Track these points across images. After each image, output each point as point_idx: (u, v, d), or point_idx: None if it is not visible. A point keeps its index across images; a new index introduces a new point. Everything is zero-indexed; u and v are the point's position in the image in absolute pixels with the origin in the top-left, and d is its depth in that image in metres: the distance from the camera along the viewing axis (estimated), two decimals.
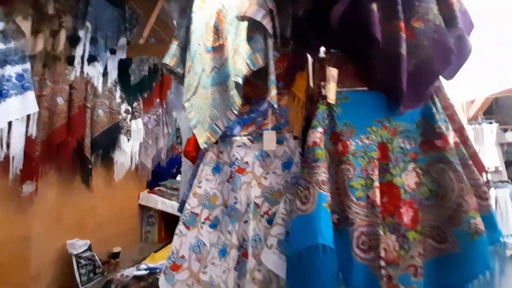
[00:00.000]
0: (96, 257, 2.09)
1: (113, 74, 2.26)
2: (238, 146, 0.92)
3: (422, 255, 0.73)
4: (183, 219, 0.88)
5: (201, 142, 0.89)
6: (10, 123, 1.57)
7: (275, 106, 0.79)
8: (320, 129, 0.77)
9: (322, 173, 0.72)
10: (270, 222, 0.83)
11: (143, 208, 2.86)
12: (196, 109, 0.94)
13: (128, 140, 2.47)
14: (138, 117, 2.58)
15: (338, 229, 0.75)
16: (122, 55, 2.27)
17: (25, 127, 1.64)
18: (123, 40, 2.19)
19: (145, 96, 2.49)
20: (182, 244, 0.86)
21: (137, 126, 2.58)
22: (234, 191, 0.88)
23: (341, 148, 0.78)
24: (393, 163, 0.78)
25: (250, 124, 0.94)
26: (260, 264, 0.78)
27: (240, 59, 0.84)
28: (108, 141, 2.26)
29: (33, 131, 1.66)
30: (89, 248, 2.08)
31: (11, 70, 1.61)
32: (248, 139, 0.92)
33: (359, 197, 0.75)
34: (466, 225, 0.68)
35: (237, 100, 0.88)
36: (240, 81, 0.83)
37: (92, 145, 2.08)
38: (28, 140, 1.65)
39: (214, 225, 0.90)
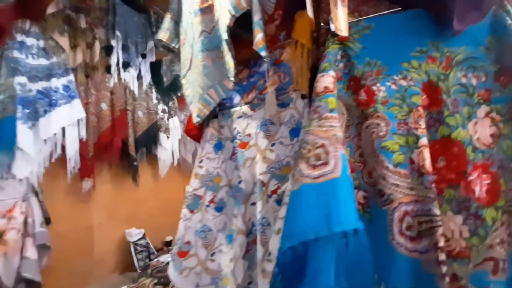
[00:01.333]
0: (150, 245, 2.21)
1: (147, 77, 2.33)
2: (239, 117, 0.74)
3: (506, 242, 0.45)
4: (186, 202, 0.76)
5: (194, 116, 0.74)
6: (63, 129, 1.72)
7: (263, 54, 0.58)
8: (332, 73, 0.52)
9: (339, 130, 0.48)
10: (279, 203, 0.64)
11: None
12: (192, 83, 0.80)
13: (168, 137, 2.55)
14: (175, 115, 2.63)
15: (367, 211, 0.50)
16: (152, 58, 2.31)
17: (77, 132, 1.78)
18: (151, 44, 2.22)
19: (179, 95, 2.53)
20: (187, 229, 0.74)
21: (174, 124, 2.64)
22: (238, 169, 0.71)
23: (364, 96, 0.53)
24: (450, 109, 0.49)
25: (250, 91, 0.75)
26: (270, 253, 0.60)
27: (224, 11, 0.65)
28: (149, 140, 2.36)
29: (83, 134, 1.79)
30: (144, 236, 2.21)
31: (57, 82, 1.74)
32: (249, 107, 0.73)
33: (398, 162, 0.49)
34: None
35: (231, 64, 0.70)
36: (226, 36, 0.65)
37: (136, 144, 2.19)
38: (82, 142, 1.79)
39: (219, 208, 0.75)
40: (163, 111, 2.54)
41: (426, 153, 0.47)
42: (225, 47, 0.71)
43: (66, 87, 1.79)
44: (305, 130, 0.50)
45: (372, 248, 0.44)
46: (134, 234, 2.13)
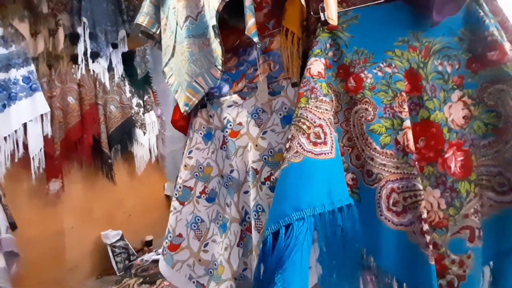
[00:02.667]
0: (130, 246, 2.11)
1: (118, 69, 2.17)
2: (229, 106, 0.73)
3: (480, 212, 0.51)
4: (175, 194, 0.73)
5: (181, 105, 0.71)
6: (25, 125, 1.55)
7: (255, 39, 0.58)
8: (323, 60, 0.54)
9: (331, 115, 0.50)
10: (273, 189, 0.64)
11: (170, 198, 2.84)
12: (176, 71, 0.76)
13: (144, 133, 2.42)
14: (151, 110, 2.49)
15: (355, 192, 0.53)
16: (124, 48, 2.16)
17: (41, 128, 1.62)
18: (122, 33, 2.07)
19: (155, 88, 2.39)
20: (178, 221, 0.72)
21: (150, 119, 2.50)
22: (229, 158, 0.71)
23: (353, 83, 0.56)
24: (429, 94, 0.54)
25: (240, 79, 0.74)
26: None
27: None
28: (124, 136, 2.22)
29: (48, 131, 1.63)
30: (122, 238, 2.09)
31: (16, 73, 1.56)
32: (239, 96, 0.72)
33: (385, 144, 0.53)
34: None
35: (219, 52, 0.68)
36: (215, 21, 0.63)
37: (109, 141, 2.05)
38: (46, 140, 1.63)
39: (211, 199, 0.74)
40: (138, 105, 2.40)
41: (410, 134, 0.51)
42: (211, 34, 0.69)
43: (26, 79, 1.62)
44: (302, 106, 0.50)
45: (361, 225, 0.47)
46: (111, 235, 2.01)
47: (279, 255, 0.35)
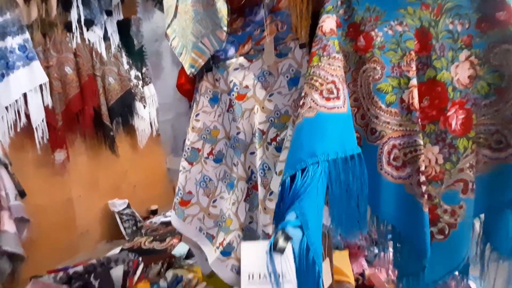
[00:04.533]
0: (136, 213, 2.19)
1: (115, 39, 2.08)
2: (235, 69, 0.72)
3: (474, 167, 0.54)
4: (184, 155, 0.75)
5: (187, 67, 0.70)
6: (25, 96, 1.52)
7: None
8: (334, 17, 0.53)
9: (343, 72, 0.51)
10: (278, 149, 0.67)
11: (172, 171, 2.88)
12: (179, 32, 0.74)
13: (144, 106, 2.38)
14: (150, 83, 2.43)
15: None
16: (118, 16, 2.05)
17: (41, 99, 1.59)
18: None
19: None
20: (187, 180, 0.75)
21: (150, 92, 2.45)
22: (236, 120, 0.72)
23: (363, 42, 0.55)
24: (437, 53, 0.53)
25: (246, 41, 0.72)
26: (271, 193, 0.64)
27: None
28: (124, 108, 2.19)
29: (48, 101, 1.61)
30: (128, 206, 2.16)
31: (12, 42, 1.50)
32: (245, 58, 0.71)
33: (390, 102, 0.54)
34: None
35: (224, 12, 0.66)
36: None
37: (110, 113, 2.02)
38: (48, 110, 1.61)
39: (218, 160, 0.76)
40: (137, 77, 2.33)
41: (415, 93, 0.52)
42: None
43: (22, 47, 1.56)
44: (314, 64, 0.51)
45: None
46: (118, 204, 2.08)
47: (296, 191, 0.38)
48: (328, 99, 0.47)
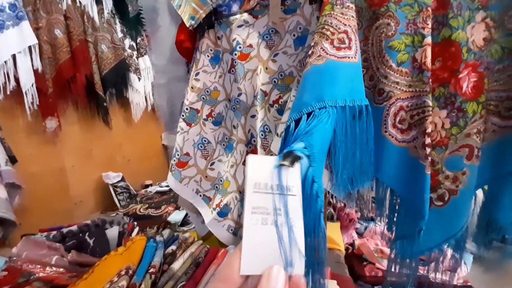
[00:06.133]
0: (130, 187, 2.17)
1: (107, 3, 1.96)
2: (239, 26, 0.68)
3: (482, 134, 0.52)
4: (182, 115, 0.72)
5: (186, 19, 0.65)
6: (14, 58, 1.44)
7: None
8: None
9: (356, 23, 0.47)
10: (280, 112, 0.64)
11: (167, 149, 2.84)
12: None
13: (139, 79, 2.29)
14: (145, 54, 2.31)
15: None
16: None
17: (30, 62, 1.51)
18: None
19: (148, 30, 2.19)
20: (185, 141, 0.72)
21: (145, 64, 2.34)
22: (237, 81, 0.68)
23: None
24: (454, 11, 0.50)
25: None
26: (271, 154, 0.62)
27: None
28: (118, 79, 2.09)
29: (38, 65, 1.52)
30: (123, 179, 2.14)
31: (3, 0, 1.40)
32: (250, 14, 0.66)
33: (402, 61, 0.51)
34: None
35: None
36: None
37: (103, 83, 1.94)
38: (37, 75, 1.53)
39: (217, 122, 0.73)
40: (131, 47, 2.22)
41: (429, 51, 0.49)
42: None
43: (12, 6, 1.45)
44: (326, 13, 0.47)
45: None
46: (112, 176, 2.05)
47: (302, 131, 0.36)
48: (339, 48, 0.44)
